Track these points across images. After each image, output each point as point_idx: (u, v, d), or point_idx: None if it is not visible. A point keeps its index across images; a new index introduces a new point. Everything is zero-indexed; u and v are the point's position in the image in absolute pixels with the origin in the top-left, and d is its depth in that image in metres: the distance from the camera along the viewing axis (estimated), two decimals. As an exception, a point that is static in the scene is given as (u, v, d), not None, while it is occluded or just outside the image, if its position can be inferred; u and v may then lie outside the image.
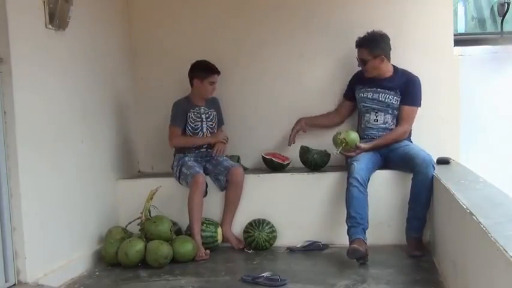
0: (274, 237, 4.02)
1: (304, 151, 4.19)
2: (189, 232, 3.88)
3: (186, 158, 4.08)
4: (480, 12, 5.90)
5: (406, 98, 4.00)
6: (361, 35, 4.01)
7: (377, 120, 4.08)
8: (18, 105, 2.99)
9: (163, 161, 4.40)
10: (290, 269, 3.54)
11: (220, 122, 4.29)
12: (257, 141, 4.47)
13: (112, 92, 4.23)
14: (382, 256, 3.67)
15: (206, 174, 4.08)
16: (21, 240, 3.02)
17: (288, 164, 4.31)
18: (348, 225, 3.63)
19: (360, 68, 4.11)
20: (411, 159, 3.76)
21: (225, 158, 4.19)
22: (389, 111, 4.05)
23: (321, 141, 4.22)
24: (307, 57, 4.47)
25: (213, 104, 4.23)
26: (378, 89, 4.06)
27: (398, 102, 4.02)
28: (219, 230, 4.01)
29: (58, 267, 3.33)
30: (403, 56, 4.16)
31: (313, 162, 4.16)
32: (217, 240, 3.98)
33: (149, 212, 3.79)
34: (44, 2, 3.24)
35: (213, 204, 4.09)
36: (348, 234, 3.61)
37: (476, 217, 2.27)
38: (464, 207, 2.50)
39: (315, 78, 4.47)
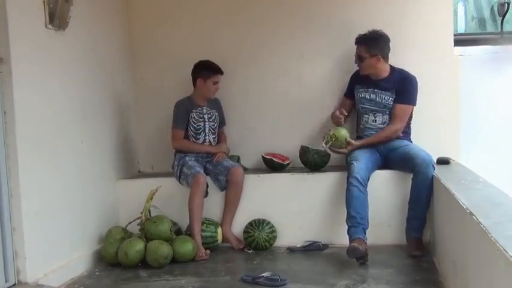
0: (274, 237, 4.02)
1: (304, 151, 4.19)
2: (189, 232, 3.88)
3: (187, 158, 4.08)
4: (480, 12, 5.90)
5: (400, 96, 4.00)
6: (363, 33, 4.01)
7: (375, 120, 4.08)
8: (18, 105, 2.99)
9: (163, 161, 4.40)
10: (290, 269, 3.54)
11: (222, 123, 4.29)
12: (257, 141, 4.47)
13: (112, 92, 4.23)
14: (382, 256, 3.67)
15: (206, 174, 4.08)
16: (21, 240, 3.01)
17: (288, 164, 4.31)
18: (348, 225, 3.63)
19: (357, 65, 4.11)
20: (411, 159, 3.76)
21: (225, 157, 4.19)
22: (387, 112, 4.05)
23: (321, 141, 4.21)
24: (307, 57, 4.47)
25: (215, 104, 4.23)
26: (375, 90, 4.06)
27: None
28: (219, 230, 4.01)
29: (58, 267, 3.33)
30: (403, 56, 4.16)
31: (313, 162, 4.16)
32: (217, 240, 3.98)
33: (149, 212, 3.79)
34: (44, 2, 3.24)
35: (213, 204, 4.09)
36: (348, 233, 3.61)
37: (476, 217, 2.27)
38: (464, 207, 2.50)
39: (315, 78, 4.47)
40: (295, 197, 4.11)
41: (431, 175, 3.65)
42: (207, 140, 4.17)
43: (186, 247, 3.72)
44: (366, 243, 3.53)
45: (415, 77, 4.03)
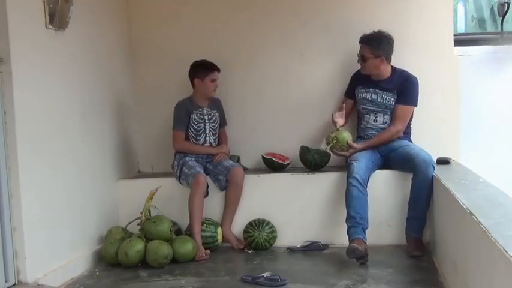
0: (274, 237, 4.02)
1: (304, 151, 4.19)
2: (189, 232, 3.88)
3: (187, 158, 4.08)
4: (480, 12, 5.90)
5: (402, 97, 4.00)
6: (368, 32, 4.00)
7: (376, 120, 4.08)
8: (18, 105, 2.99)
9: (164, 161, 4.40)
10: (290, 269, 3.54)
11: (223, 123, 4.29)
12: (257, 141, 4.47)
13: (112, 92, 4.23)
14: (382, 256, 3.67)
15: (207, 174, 4.08)
16: (21, 240, 3.01)
17: (288, 164, 4.31)
18: (347, 225, 3.63)
19: (359, 67, 4.11)
20: (411, 159, 3.76)
21: (225, 158, 4.19)
22: (388, 113, 4.05)
23: (321, 141, 4.22)
24: (307, 57, 4.47)
25: (216, 104, 4.23)
26: (377, 90, 4.06)
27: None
28: (219, 230, 4.01)
29: (58, 267, 3.33)
30: (403, 56, 4.16)
31: (313, 162, 4.16)
32: (217, 240, 3.98)
33: (149, 212, 3.79)
34: (44, 2, 3.24)
35: (213, 204, 4.09)
36: (347, 234, 3.61)
37: (476, 217, 2.28)
38: (464, 207, 2.50)
39: (315, 77, 4.47)
40: (295, 197, 4.11)
41: (431, 175, 3.65)
42: (208, 141, 4.16)
43: (186, 247, 3.72)
44: (365, 243, 3.53)
45: (417, 78, 4.03)
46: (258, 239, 3.96)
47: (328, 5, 4.42)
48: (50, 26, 3.30)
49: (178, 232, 3.97)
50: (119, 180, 4.26)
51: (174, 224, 3.94)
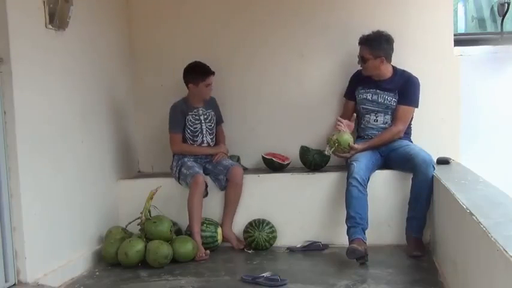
0: (274, 237, 4.02)
1: (304, 151, 4.19)
2: (189, 232, 3.88)
3: (186, 159, 4.08)
4: (480, 12, 5.90)
5: (403, 98, 4.00)
6: (367, 33, 4.00)
7: (377, 120, 4.08)
8: (18, 105, 2.99)
9: (163, 161, 4.40)
10: (290, 269, 3.54)
11: (219, 121, 4.29)
12: (257, 141, 4.47)
13: (112, 92, 4.23)
14: (382, 256, 3.67)
15: (206, 174, 4.08)
16: (21, 240, 3.01)
17: (288, 164, 4.31)
18: (347, 225, 3.63)
19: (359, 67, 4.11)
20: (411, 159, 3.76)
21: (225, 157, 4.19)
22: (389, 112, 4.05)
23: (321, 141, 4.22)
24: (307, 57, 4.47)
25: (211, 103, 4.23)
26: (377, 90, 4.06)
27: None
28: (219, 230, 4.01)
29: (58, 267, 3.33)
30: (403, 56, 4.15)
31: (313, 162, 4.16)
32: (217, 240, 3.98)
33: (149, 212, 3.79)
34: (44, 2, 3.24)
35: (213, 204, 4.09)
36: (347, 234, 3.61)
37: (476, 217, 2.28)
38: (464, 207, 2.50)
39: (315, 77, 4.47)
40: (295, 197, 4.11)
41: (431, 175, 3.65)
42: (205, 141, 4.16)
43: (186, 247, 3.72)
44: (365, 243, 3.53)
45: (418, 79, 4.03)
46: (258, 239, 3.96)
47: (328, 5, 4.42)
48: (50, 26, 3.30)
49: (178, 232, 3.98)
50: (119, 180, 4.26)
51: (174, 224, 3.94)
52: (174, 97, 4.19)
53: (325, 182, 4.06)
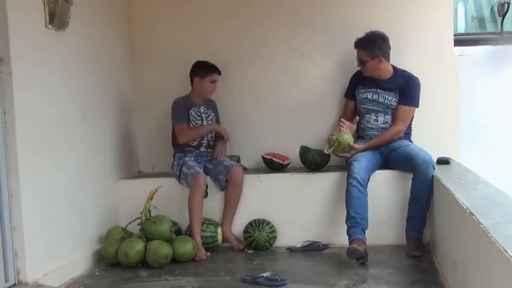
0: (274, 237, 4.02)
1: (304, 151, 4.19)
2: (189, 232, 3.88)
3: (187, 158, 4.08)
4: (480, 12, 5.90)
5: (404, 98, 4.00)
6: (360, 35, 4.01)
7: (377, 120, 4.08)
8: (18, 105, 2.99)
9: (163, 161, 4.40)
10: (290, 269, 3.54)
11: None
12: (257, 141, 4.47)
13: (112, 92, 4.23)
14: (382, 256, 3.67)
15: (206, 174, 4.08)
16: (21, 240, 3.01)
17: (288, 164, 4.31)
18: (347, 225, 3.63)
19: (359, 68, 4.11)
20: (411, 159, 3.76)
21: (225, 157, 4.20)
22: (389, 112, 4.05)
23: (321, 141, 4.22)
24: (307, 56, 4.47)
25: (211, 105, 4.25)
26: (378, 90, 4.06)
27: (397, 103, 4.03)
28: (219, 230, 4.01)
29: (58, 267, 3.33)
30: (403, 56, 4.16)
31: (313, 162, 4.16)
32: (217, 241, 3.98)
33: (149, 212, 3.79)
34: (44, 2, 3.24)
35: (213, 204, 4.09)
36: (347, 234, 3.61)
37: (476, 217, 2.27)
38: (464, 207, 2.50)
39: (315, 77, 4.47)
40: (295, 197, 4.11)
41: (431, 175, 3.65)
42: (205, 139, 4.18)
43: (186, 247, 3.72)
44: (365, 243, 3.53)
45: (418, 79, 4.03)
46: (258, 239, 3.96)
47: (328, 4, 4.42)
48: (50, 26, 3.30)
49: (178, 232, 3.98)
50: (119, 180, 4.26)
51: (174, 224, 3.94)
52: (174, 97, 4.18)
53: (325, 182, 4.06)
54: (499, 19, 5.09)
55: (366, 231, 3.60)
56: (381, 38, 3.98)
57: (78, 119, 3.66)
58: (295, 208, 4.10)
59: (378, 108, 4.07)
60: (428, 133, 4.24)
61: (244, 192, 4.09)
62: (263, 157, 4.31)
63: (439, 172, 3.62)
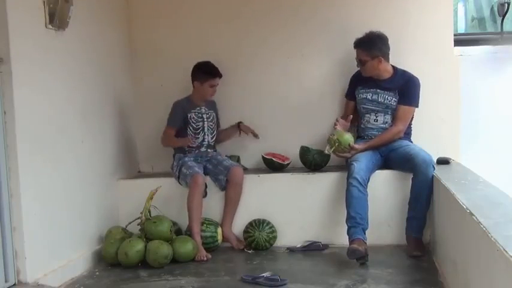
0: (274, 237, 4.02)
1: (304, 151, 4.19)
2: (189, 232, 3.88)
3: (186, 158, 4.08)
4: (480, 12, 5.89)
5: (404, 98, 4.01)
6: (360, 35, 4.01)
7: (377, 120, 4.08)
8: (18, 105, 2.99)
9: (163, 161, 4.40)
10: (290, 269, 3.54)
11: (217, 125, 4.30)
12: (257, 141, 4.46)
13: (112, 92, 4.23)
14: (382, 256, 3.67)
15: (206, 174, 4.08)
16: (21, 240, 3.01)
17: (288, 164, 4.31)
18: (347, 225, 3.63)
19: (359, 68, 4.12)
20: (411, 159, 3.76)
21: (225, 157, 4.20)
22: (389, 112, 4.05)
23: (321, 141, 4.22)
24: (307, 56, 4.47)
25: (212, 106, 4.26)
26: (378, 90, 4.06)
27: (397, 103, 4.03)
28: (219, 230, 4.01)
29: (58, 267, 3.33)
30: (403, 56, 4.16)
31: (313, 162, 4.16)
32: (217, 241, 3.98)
33: (149, 212, 3.79)
34: (44, 2, 3.24)
35: (213, 204, 4.09)
36: (347, 234, 3.61)
37: (476, 217, 2.27)
38: (464, 207, 2.50)
39: (315, 77, 4.47)
40: (295, 197, 4.11)
41: (431, 175, 3.65)
42: (206, 140, 4.18)
43: (186, 247, 3.72)
44: (365, 243, 3.53)
45: (418, 79, 4.03)
46: (258, 239, 3.96)
47: (328, 4, 4.42)
48: (50, 26, 3.30)
49: (178, 232, 3.98)
50: (119, 180, 4.26)
51: (174, 224, 3.94)
52: (174, 97, 4.19)
53: (325, 182, 4.06)
54: (499, 19, 5.09)
55: (366, 231, 3.60)
56: (380, 38, 3.98)
57: (78, 119, 3.66)
58: (295, 208, 4.10)
59: (377, 108, 4.07)
60: (428, 133, 4.24)
61: (244, 192, 4.09)
62: (263, 157, 4.30)
63: (439, 172, 3.62)
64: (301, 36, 4.46)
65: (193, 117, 4.12)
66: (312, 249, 3.93)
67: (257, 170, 4.34)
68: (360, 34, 4.03)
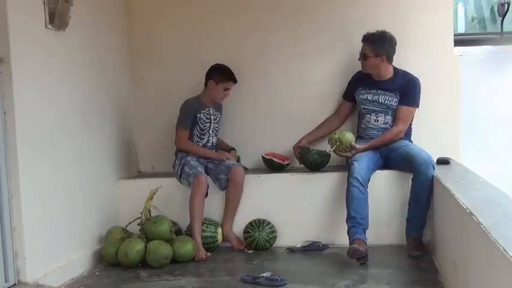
0: (274, 237, 4.02)
1: (304, 151, 4.19)
2: (189, 232, 3.88)
3: (189, 157, 4.07)
4: (480, 12, 5.89)
5: (404, 98, 4.01)
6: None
7: (377, 120, 4.08)
8: (18, 105, 2.99)
9: (164, 161, 4.40)
10: (290, 269, 3.54)
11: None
12: (257, 141, 4.47)
13: (112, 92, 4.23)
14: (382, 256, 3.67)
15: (207, 173, 4.08)
16: (21, 240, 3.01)
17: (288, 164, 4.31)
18: (348, 225, 3.63)
19: (359, 69, 4.12)
20: (411, 159, 3.76)
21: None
22: (390, 113, 4.05)
23: (321, 141, 4.22)
24: (307, 57, 4.47)
25: (219, 108, 4.25)
26: (378, 91, 4.06)
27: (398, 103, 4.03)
28: (219, 230, 4.01)
29: (58, 267, 3.33)
30: (403, 56, 4.15)
31: (313, 162, 4.16)
32: (217, 241, 3.98)
33: (149, 212, 3.79)
34: (44, 2, 3.24)
35: (213, 204, 4.09)
36: (348, 234, 3.61)
37: (476, 217, 2.27)
38: (464, 207, 2.50)
39: (315, 77, 4.47)
40: (295, 197, 4.11)
41: (431, 175, 3.65)
42: (210, 141, 4.18)
43: (186, 247, 3.72)
44: (366, 243, 3.53)
45: (419, 79, 4.03)
46: (258, 239, 3.96)
47: (329, 4, 4.41)
48: (50, 26, 3.30)
49: (178, 232, 3.98)
50: (119, 180, 4.26)
51: (174, 224, 3.95)
52: (174, 97, 4.20)
53: (325, 182, 4.06)
54: (499, 19, 5.09)
55: (366, 231, 3.60)
56: (389, 40, 3.98)
57: (78, 119, 3.66)
58: (295, 208, 4.10)
59: (378, 109, 4.07)
60: (428, 133, 4.24)
61: (245, 192, 4.09)
62: (263, 157, 4.30)
63: (439, 172, 3.62)
64: (301, 36, 4.46)
65: (202, 118, 4.11)
66: (312, 249, 3.93)
67: (257, 170, 4.34)
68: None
